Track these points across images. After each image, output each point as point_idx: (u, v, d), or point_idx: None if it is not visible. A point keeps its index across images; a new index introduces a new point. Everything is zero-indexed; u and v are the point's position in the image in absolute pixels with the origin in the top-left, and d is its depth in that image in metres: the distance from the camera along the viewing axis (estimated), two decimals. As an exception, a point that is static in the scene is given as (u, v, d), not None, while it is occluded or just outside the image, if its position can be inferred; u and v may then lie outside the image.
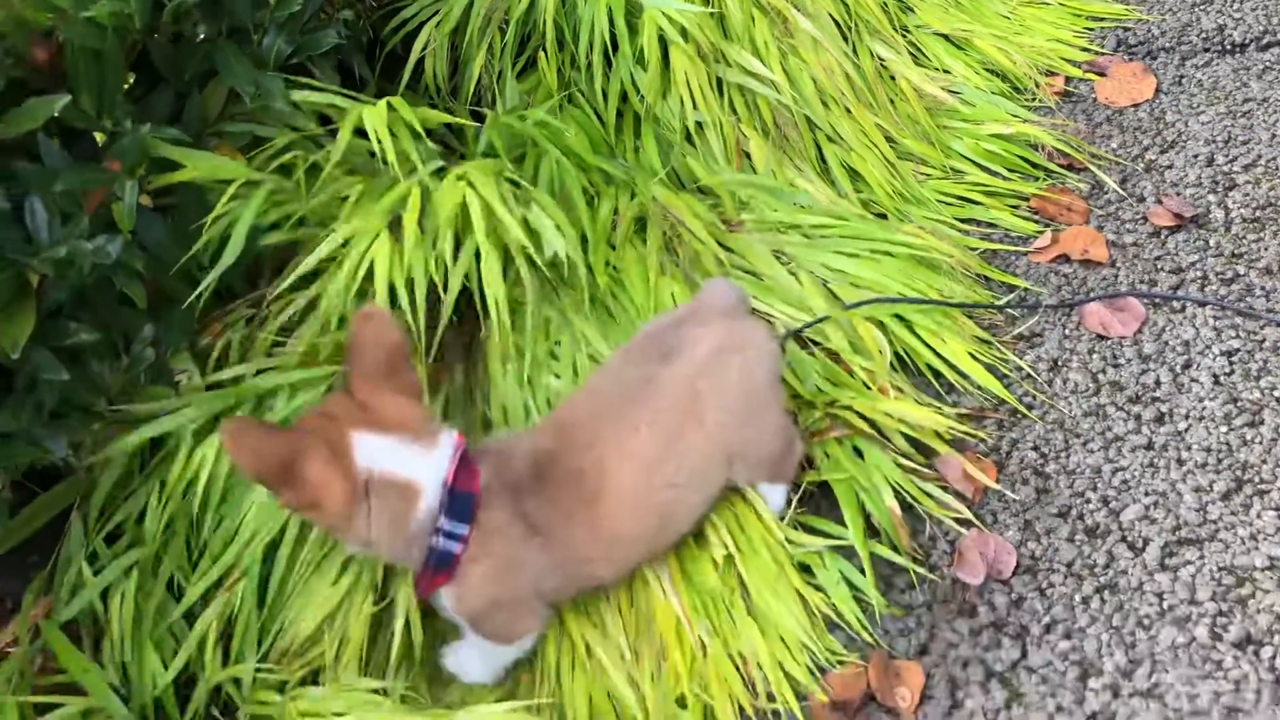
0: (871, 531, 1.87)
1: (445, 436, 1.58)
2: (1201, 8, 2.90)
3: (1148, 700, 1.67)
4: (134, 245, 1.67)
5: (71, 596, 1.75)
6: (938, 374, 2.11)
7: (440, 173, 2.01)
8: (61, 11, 1.61)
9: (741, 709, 1.69)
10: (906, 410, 1.97)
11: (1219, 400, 2.03)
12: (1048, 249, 2.36)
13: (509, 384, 1.95)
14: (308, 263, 1.88)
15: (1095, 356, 2.14)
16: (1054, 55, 2.80)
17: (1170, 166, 2.50)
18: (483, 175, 1.95)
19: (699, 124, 2.37)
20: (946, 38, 2.76)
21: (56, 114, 1.55)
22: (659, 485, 1.68)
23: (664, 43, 2.33)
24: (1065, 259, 2.34)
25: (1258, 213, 2.35)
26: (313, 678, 1.72)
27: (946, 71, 2.70)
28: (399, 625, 1.73)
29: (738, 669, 1.72)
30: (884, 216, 2.38)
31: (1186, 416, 2.02)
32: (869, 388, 2.02)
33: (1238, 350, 2.10)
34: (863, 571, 1.82)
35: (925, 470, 1.94)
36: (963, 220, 2.43)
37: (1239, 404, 2.02)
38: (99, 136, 1.74)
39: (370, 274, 1.85)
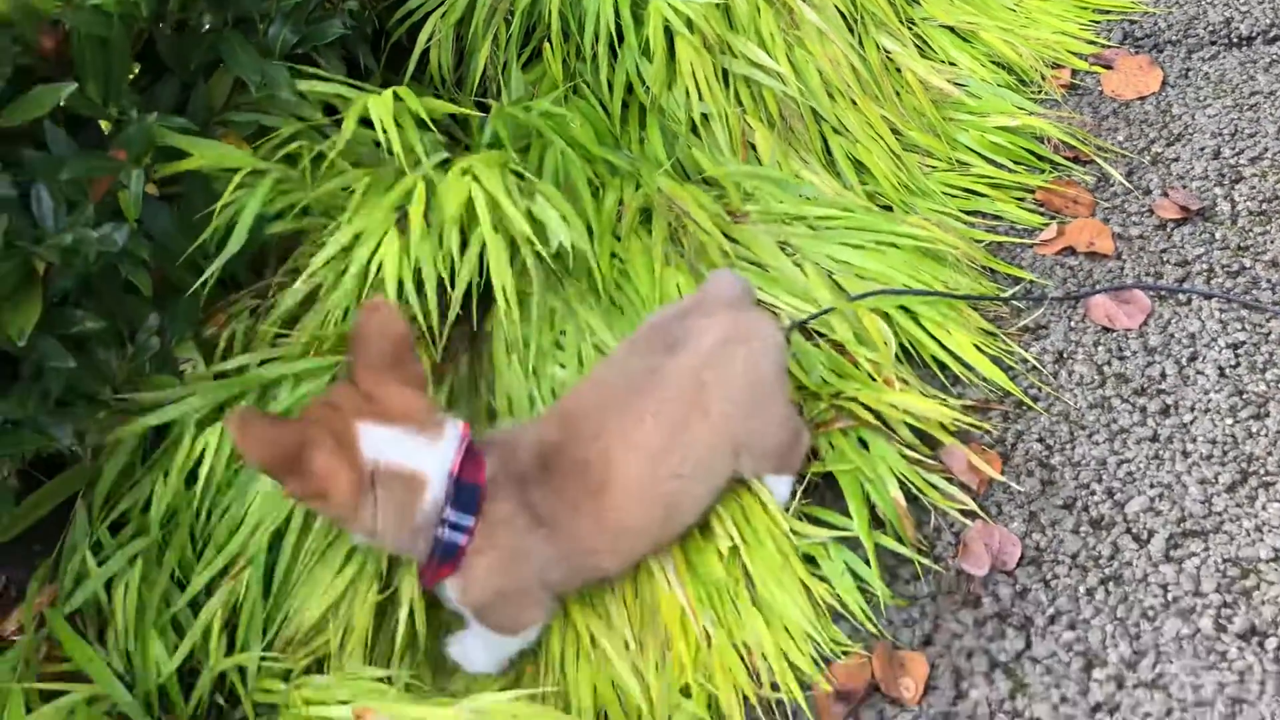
0: (876, 523, 1.87)
1: (451, 427, 1.58)
2: (1208, 1, 2.90)
3: (1152, 691, 1.67)
4: (139, 234, 1.67)
5: (76, 585, 1.75)
6: (943, 366, 2.11)
7: (445, 165, 2.00)
8: (68, 0, 1.61)
9: (746, 699, 1.69)
10: (911, 402, 1.97)
11: (1224, 393, 2.03)
12: (1053, 241, 2.35)
13: (514, 374, 1.95)
14: (315, 264, 1.87)
15: (1100, 349, 2.14)
16: (1060, 48, 2.80)
17: (1176, 159, 2.50)
18: (488, 168, 1.95)
19: (704, 115, 2.36)
20: (952, 30, 2.75)
21: (63, 102, 1.55)
22: (664, 476, 1.68)
23: (669, 34, 2.33)
24: (1071, 251, 2.34)
25: (1264, 205, 2.35)
26: (317, 666, 1.72)
27: (952, 64, 2.69)
28: (403, 614, 1.73)
29: (742, 659, 1.72)
30: (889, 209, 2.38)
31: (1192, 409, 2.02)
32: (874, 379, 2.02)
33: (1243, 343, 2.10)
34: (868, 563, 1.82)
35: (930, 462, 1.94)
36: (968, 212, 2.42)
37: (1244, 396, 2.02)
38: (104, 125, 1.74)
39: (378, 270, 1.85)
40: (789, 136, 2.41)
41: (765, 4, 2.42)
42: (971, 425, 2.01)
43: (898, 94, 2.56)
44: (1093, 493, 1.92)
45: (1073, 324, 2.20)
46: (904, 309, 2.14)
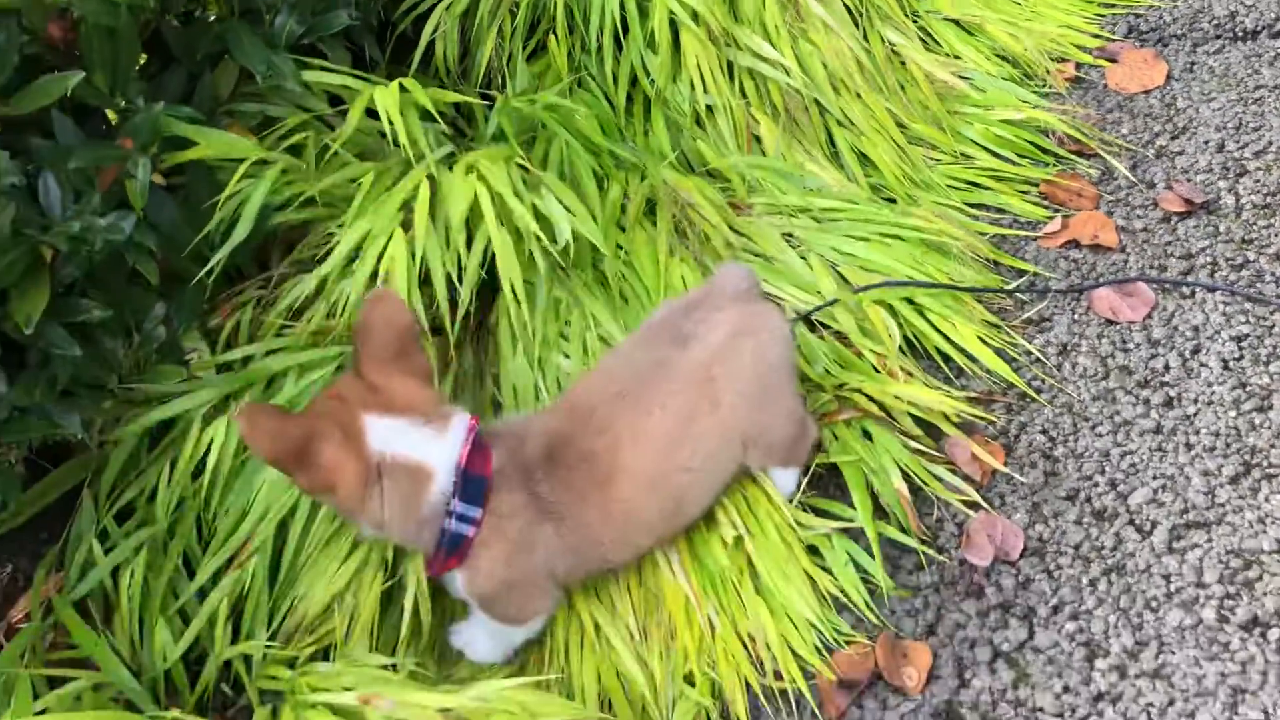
0: (880, 513, 1.88)
1: (458, 419, 1.58)
2: (1213, -6, 2.90)
3: (1154, 681, 1.67)
4: (146, 223, 1.67)
5: (82, 574, 1.76)
6: (947, 358, 2.11)
7: (450, 159, 2.01)
8: (76, -12, 1.62)
9: (749, 687, 1.70)
10: (915, 393, 1.97)
11: (1228, 385, 2.03)
12: (1057, 234, 2.36)
13: (519, 364, 1.95)
14: (323, 270, 1.87)
15: (1104, 341, 2.14)
16: (1065, 41, 2.80)
17: (1181, 153, 2.50)
18: (493, 164, 1.95)
19: (709, 107, 2.37)
20: (957, 23, 2.75)
21: (70, 91, 1.55)
22: (673, 469, 1.68)
23: (674, 26, 2.34)
24: (1075, 244, 2.34)
25: (1268, 199, 2.35)
26: (323, 654, 1.73)
27: (957, 57, 2.69)
28: (408, 602, 1.73)
29: (746, 648, 1.73)
30: (893, 201, 2.38)
31: (1195, 401, 2.02)
32: (878, 371, 2.03)
33: (1247, 335, 2.10)
34: (871, 554, 1.82)
35: (934, 453, 1.95)
36: (972, 205, 2.43)
37: (1248, 389, 2.02)
38: (111, 115, 1.75)
39: (386, 276, 1.86)
40: (793, 129, 2.42)
41: (770, -4, 2.43)
42: (975, 417, 2.01)
43: (902, 87, 2.56)
44: (1096, 484, 1.93)
45: (1076, 316, 2.20)
46: (908, 301, 2.14)
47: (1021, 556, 1.85)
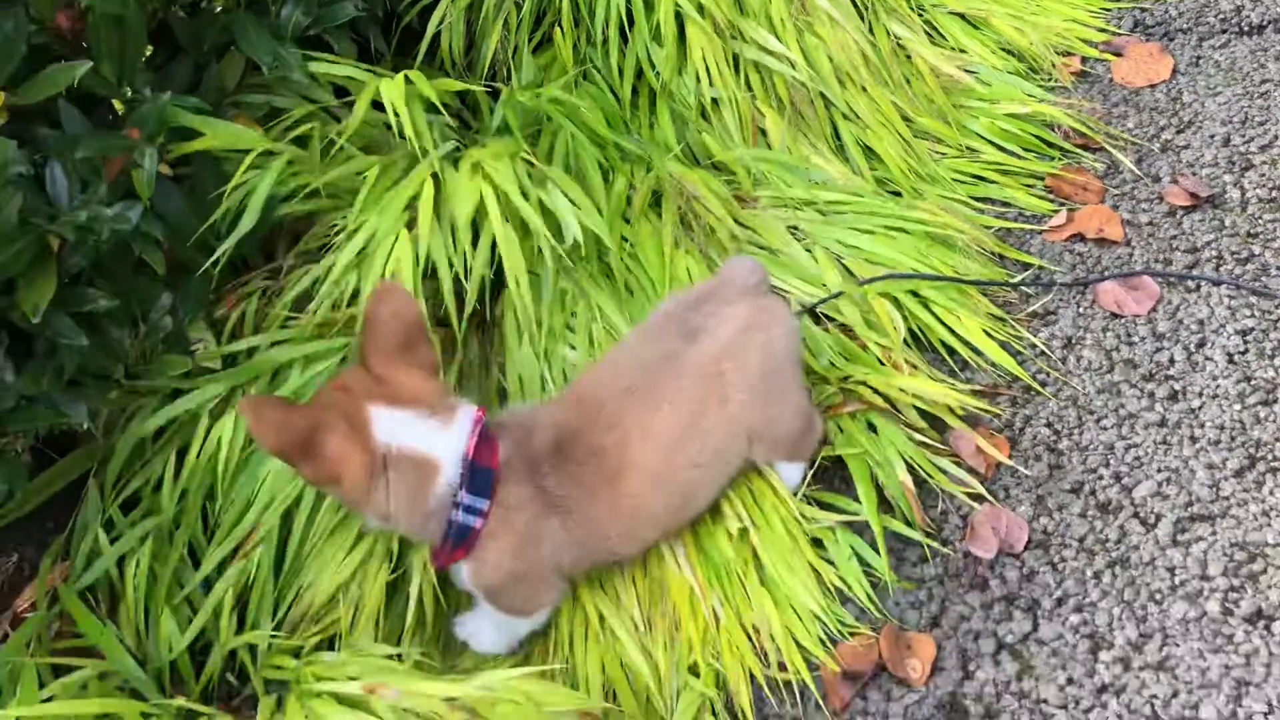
0: (885, 506, 1.88)
1: (464, 411, 1.58)
2: (1219, -11, 2.90)
3: (1158, 673, 1.67)
4: (152, 213, 1.68)
5: (88, 563, 1.76)
6: (952, 350, 2.11)
7: (455, 154, 2.01)
8: (84, -22, 1.62)
9: (753, 678, 1.70)
10: (920, 386, 1.97)
11: (1233, 379, 2.03)
12: (1063, 228, 2.36)
13: (525, 355, 1.95)
14: (332, 275, 1.87)
15: (1109, 334, 2.15)
16: (1071, 35, 2.80)
17: (1186, 147, 2.50)
18: (498, 162, 1.95)
19: (714, 100, 2.37)
20: (963, 17, 2.75)
21: (77, 81, 1.55)
22: (682, 464, 1.68)
23: (680, 18, 2.34)
24: (1080, 238, 2.34)
25: (1274, 193, 2.34)
26: (328, 644, 1.73)
27: (963, 51, 2.69)
28: (414, 592, 1.74)
29: (750, 639, 1.73)
30: (898, 194, 2.38)
31: (1200, 394, 2.02)
32: (883, 363, 2.03)
33: (1252, 329, 2.10)
34: (874, 547, 1.82)
35: (938, 446, 1.95)
36: (978, 199, 2.43)
37: (1253, 382, 2.02)
38: (118, 106, 1.75)
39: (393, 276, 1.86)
40: (799, 122, 2.41)
41: (776, -11, 2.43)
42: (980, 410, 2.01)
43: (908, 80, 2.56)
44: (1100, 477, 1.93)
45: (1081, 310, 2.20)
46: (913, 294, 2.15)
47: (1026, 549, 1.85)
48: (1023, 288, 2.25)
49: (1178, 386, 2.04)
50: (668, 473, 1.68)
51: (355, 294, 1.87)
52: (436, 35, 2.31)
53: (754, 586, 1.77)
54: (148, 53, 1.83)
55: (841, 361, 2.03)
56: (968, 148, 2.52)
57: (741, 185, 2.31)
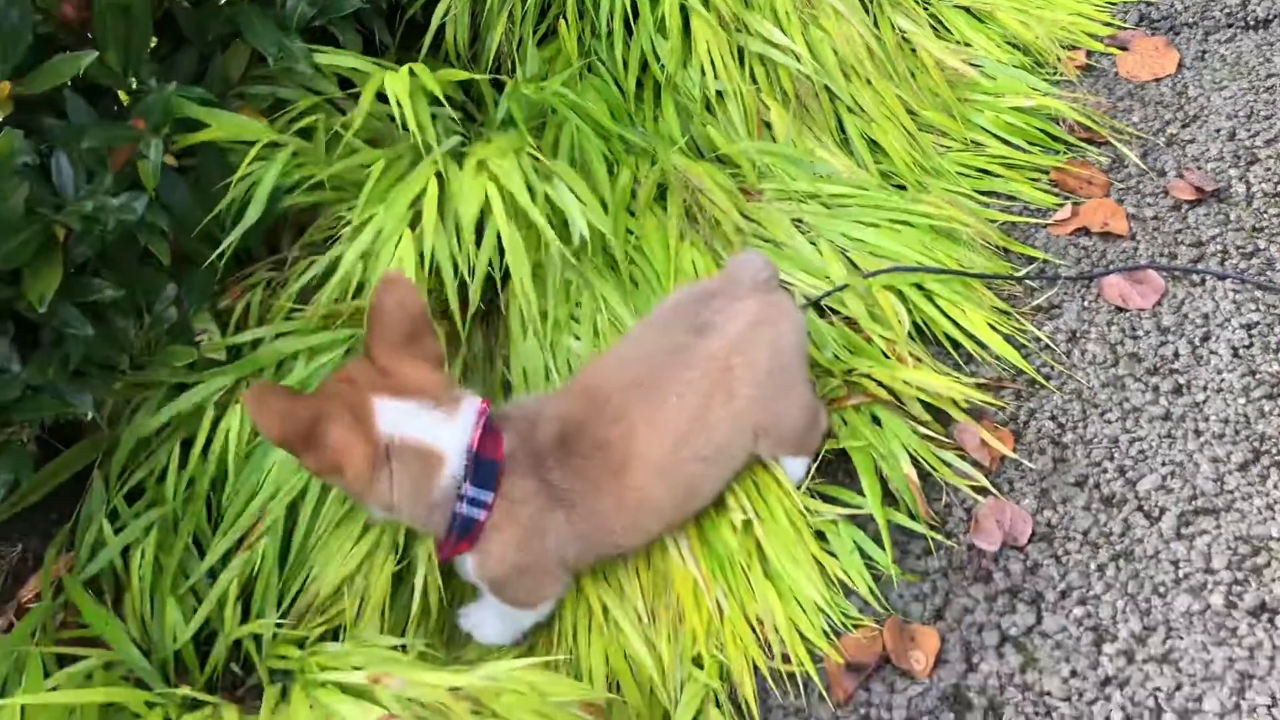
0: (889, 498, 1.88)
1: (468, 403, 1.58)
2: (1225, -17, 2.89)
3: (1162, 666, 1.67)
4: (157, 204, 1.68)
5: (92, 554, 1.77)
6: (956, 344, 2.11)
7: (461, 148, 2.00)
8: (90, -32, 1.62)
9: (757, 670, 1.70)
10: (925, 379, 1.97)
11: (1237, 373, 2.03)
12: (1067, 221, 2.35)
13: (529, 346, 1.95)
14: (335, 279, 1.87)
15: (1114, 328, 2.14)
16: (1076, 29, 2.79)
17: (1192, 141, 2.49)
18: (503, 160, 1.94)
19: (719, 93, 2.37)
20: (968, 10, 2.75)
21: (83, 71, 1.55)
22: (687, 458, 1.68)
23: (685, 11, 2.34)
24: (1085, 232, 2.34)
25: (1279, 187, 2.34)
26: (333, 635, 1.74)
27: (968, 44, 2.69)
28: (419, 583, 1.74)
29: (754, 631, 1.73)
30: (903, 188, 2.37)
31: (1205, 388, 2.02)
32: (887, 356, 2.03)
33: (1257, 323, 2.10)
34: (878, 539, 1.83)
35: (943, 439, 1.95)
36: (982, 192, 2.42)
37: (1257, 376, 2.02)
38: (122, 97, 1.75)
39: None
40: (804, 115, 2.41)
41: (781, -19, 2.42)
42: (984, 403, 2.01)
43: (913, 74, 2.56)
44: (1104, 470, 1.93)
45: (1086, 303, 2.20)
46: (918, 287, 2.15)
47: (1030, 542, 1.85)
48: (1027, 281, 2.25)
49: (1182, 380, 2.04)
50: (673, 466, 1.68)
51: (360, 288, 1.87)
52: (441, 27, 2.31)
53: (758, 578, 1.77)
54: (153, 43, 1.83)
55: (846, 354, 2.02)
56: (972, 141, 2.51)
57: (746, 178, 2.31)
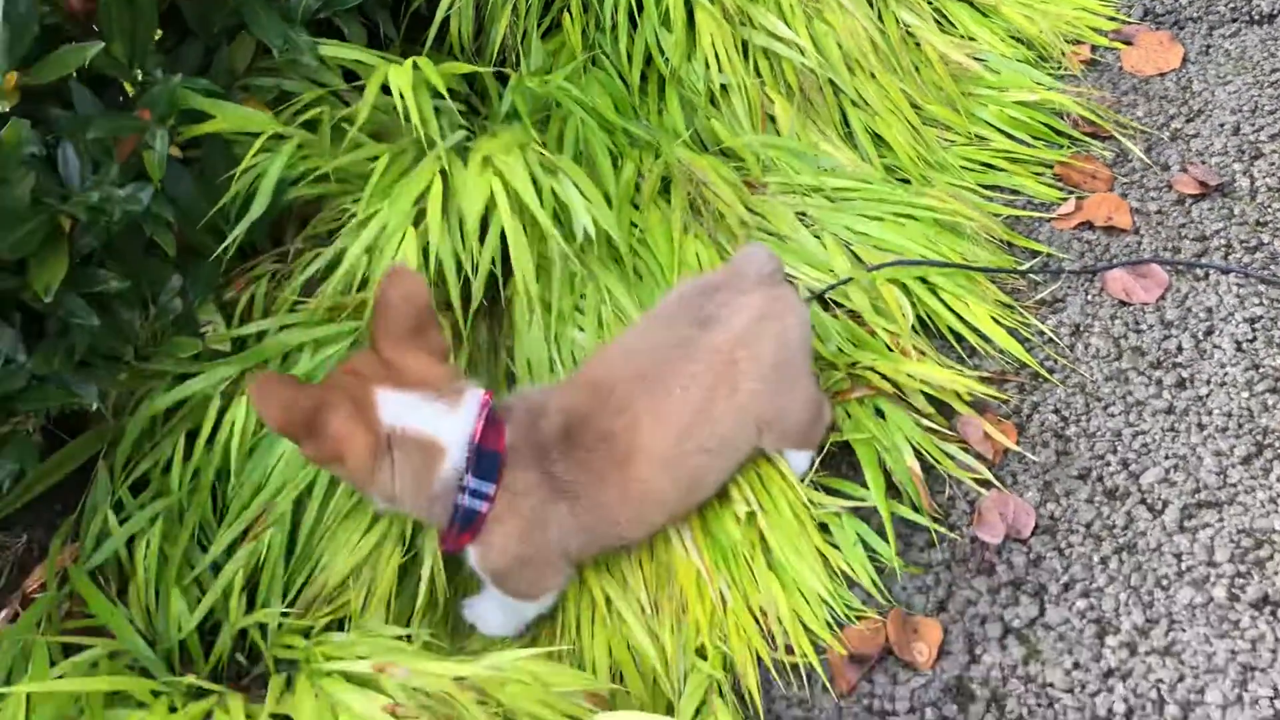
0: (892, 491, 1.88)
1: (471, 395, 1.59)
2: (1230, -22, 2.89)
3: (1164, 658, 1.68)
4: (163, 195, 1.68)
5: (97, 545, 1.77)
6: (960, 337, 2.12)
7: (465, 143, 2.01)
8: (96, -41, 1.63)
9: (760, 661, 1.71)
10: (928, 372, 1.97)
11: (1241, 366, 2.03)
12: (1071, 215, 2.35)
13: (534, 338, 1.96)
14: (340, 268, 1.88)
15: (1117, 322, 2.14)
16: (1080, 23, 2.79)
17: (1196, 135, 2.49)
18: (509, 155, 1.94)
19: (723, 86, 2.37)
20: (972, 4, 2.74)
21: (89, 62, 1.56)
22: (691, 450, 1.68)
23: (689, 4, 2.34)
24: (1089, 226, 2.34)
25: (1283, 182, 2.35)
26: (338, 626, 1.74)
27: (972, 39, 2.69)
28: (425, 575, 1.74)
29: (758, 622, 1.74)
30: (907, 182, 2.38)
31: (1208, 382, 2.02)
32: (891, 349, 2.03)
33: (1260, 317, 2.10)
34: (882, 532, 1.83)
35: (946, 431, 1.95)
36: (986, 186, 2.43)
37: (1261, 370, 2.02)
38: (128, 87, 1.75)
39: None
40: (808, 109, 2.41)
41: (785, -25, 2.42)
42: (988, 396, 2.01)
43: (917, 68, 2.55)
44: (1108, 463, 1.93)
45: (1090, 297, 2.20)
46: (922, 280, 2.15)
47: (1033, 534, 1.85)
48: (1031, 275, 2.25)
49: (1186, 374, 2.04)
50: (676, 458, 1.68)
51: (365, 282, 1.88)
52: (446, 20, 2.31)
53: (761, 570, 1.77)
54: (158, 35, 1.83)
55: (850, 347, 2.03)
56: (976, 135, 2.51)
57: (750, 171, 2.31)
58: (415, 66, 1.96)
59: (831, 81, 2.42)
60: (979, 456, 1.94)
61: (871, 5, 2.54)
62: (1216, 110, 2.53)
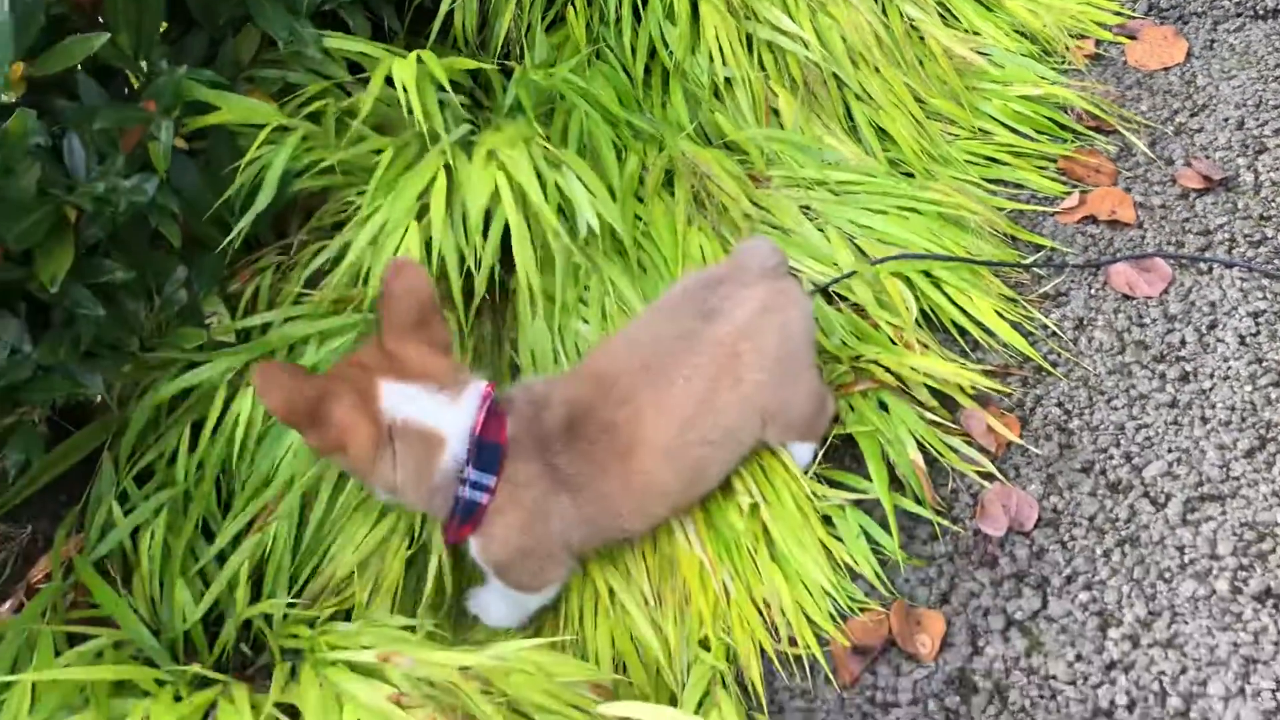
0: (895, 484, 1.88)
1: (473, 387, 1.59)
2: (1234, -28, 2.89)
3: (1167, 650, 1.68)
4: (168, 186, 1.68)
5: (102, 535, 1.78)
6: (963, 330, 2.12)
7: (469, 137, 2.01)
8: (102, -50, 1.63)
9: (764, 652, 1.71)
10: (932, 365, 1.98)
11: (1244, 360, 2.03)
12: (1075, 209, 2.35)
13: (538, 330, 1.96)
14: (344, 262, 1.88)
15: (1121, 316, 2.15)
16: (1084, 18, 2.79)
17: (1200, 130, 2.49)
18: (512, 148, 1.95)
19: (727, 80, 2.37)
20: (976, -1, 2.75)
21: (94, 53, 1.56)
22: (694, 442, 1.69)
23: (694, -3, 2.34)
24: (1092, 220, 2.34)
25: (1287, 176, 2.35)
26: (345, 617, 1.74)
27: (976, 33, 2.69)
28: (432, 567, 1.75)
29: (761, 614, 1.74)
30: (911, 175, 2.38)
31: (1211, 376, 2.02)
32: (895, 343, 2.03)
33: (1264, 311, 2.10)
34: (885, 524, 1.83)
35: (949, 424, 1.96)
36: (990, 180, 2.42)
37: (1264, 364, 2.02)
38: (133, 79, 1.75)
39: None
40: (812, 102, 2.41)
41: (790, -31, 2.42)
42: (991, 389, 2.02)
43: (921, 62, 2.56)
44: (1111, 457, 1.93)
45: (1093, 291, 2.20)
46: (925, 274, 2.15)
47: (1036, 527, 1.85)
48: (1035, 269, 2.25)
49: (1189, 368, 2.04)
50: (679, 449, 1.68)
51: (368, 276, 1.88)
52: (450, 13, 2.31)
53: (764, 561, 1.77)
54: (164, 26, 1.84)
55: (853, 340, 2.03)
56: (980, 129, 2.51)
57: (754, 165, 2.31)
58: (419, 60, 1.96)
59: (835, 75, 2.42)
60: (982, 449, 1.94)
61: (875, -1, 2.54)
62: (1221, 105, 2.53)
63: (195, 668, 1.59)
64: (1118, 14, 2.81)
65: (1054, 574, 1.79)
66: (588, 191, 1.97)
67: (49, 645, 1.61)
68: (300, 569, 1.80)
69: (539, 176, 1.93)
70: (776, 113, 2.40)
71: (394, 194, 1.90)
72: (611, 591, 1.78)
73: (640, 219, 2.13)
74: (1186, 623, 1.70)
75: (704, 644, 1.72)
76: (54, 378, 1.61)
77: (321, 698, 1.43)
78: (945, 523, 1.87)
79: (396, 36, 2.25)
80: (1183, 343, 2.08)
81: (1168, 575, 1.76)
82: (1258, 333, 2.07)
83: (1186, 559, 1.78)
